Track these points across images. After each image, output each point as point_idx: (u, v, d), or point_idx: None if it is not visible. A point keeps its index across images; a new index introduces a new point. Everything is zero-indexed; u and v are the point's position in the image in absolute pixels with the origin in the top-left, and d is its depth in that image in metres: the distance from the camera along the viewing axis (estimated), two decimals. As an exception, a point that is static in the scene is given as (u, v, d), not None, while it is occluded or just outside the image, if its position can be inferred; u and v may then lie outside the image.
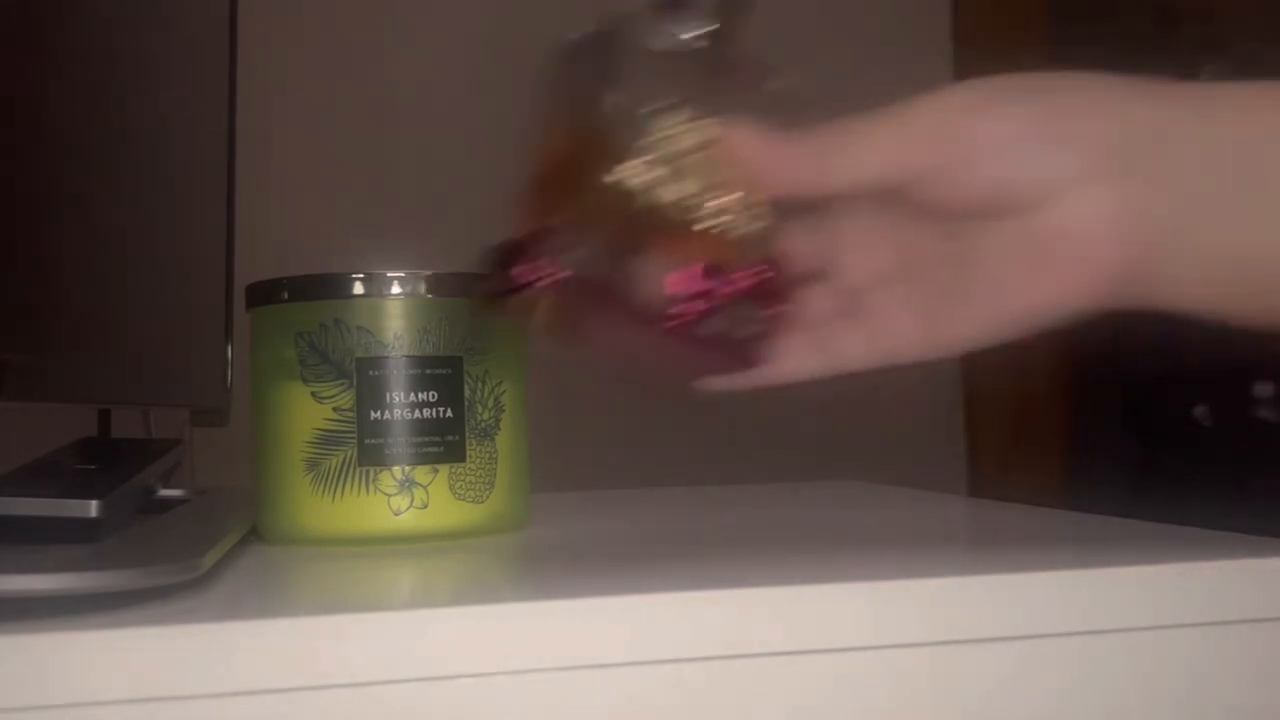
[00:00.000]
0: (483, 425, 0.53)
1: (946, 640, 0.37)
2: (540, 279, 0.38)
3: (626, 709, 0.35)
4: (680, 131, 0.40)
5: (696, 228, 0.40)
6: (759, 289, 0.42)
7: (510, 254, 0.40)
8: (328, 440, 0.52)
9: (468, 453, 0.53)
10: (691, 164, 0.40)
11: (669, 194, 0.40)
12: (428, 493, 0.52)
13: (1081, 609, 0.38)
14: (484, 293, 0.40)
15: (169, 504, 0.56)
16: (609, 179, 0.39)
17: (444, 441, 0.52)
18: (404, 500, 0.51)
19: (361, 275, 0.52)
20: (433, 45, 1.47)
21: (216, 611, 0.35)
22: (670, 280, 0.40)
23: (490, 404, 0.54)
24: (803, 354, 0.45)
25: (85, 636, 0.32)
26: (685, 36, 0.41)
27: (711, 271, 0.41)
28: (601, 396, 1.40)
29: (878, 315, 0.44)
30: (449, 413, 0.52)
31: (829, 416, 1.44)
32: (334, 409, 0.52)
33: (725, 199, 0.41)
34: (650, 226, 0.40)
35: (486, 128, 1.50)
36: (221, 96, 0.90)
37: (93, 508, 0.43)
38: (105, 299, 0.63)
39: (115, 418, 0.79)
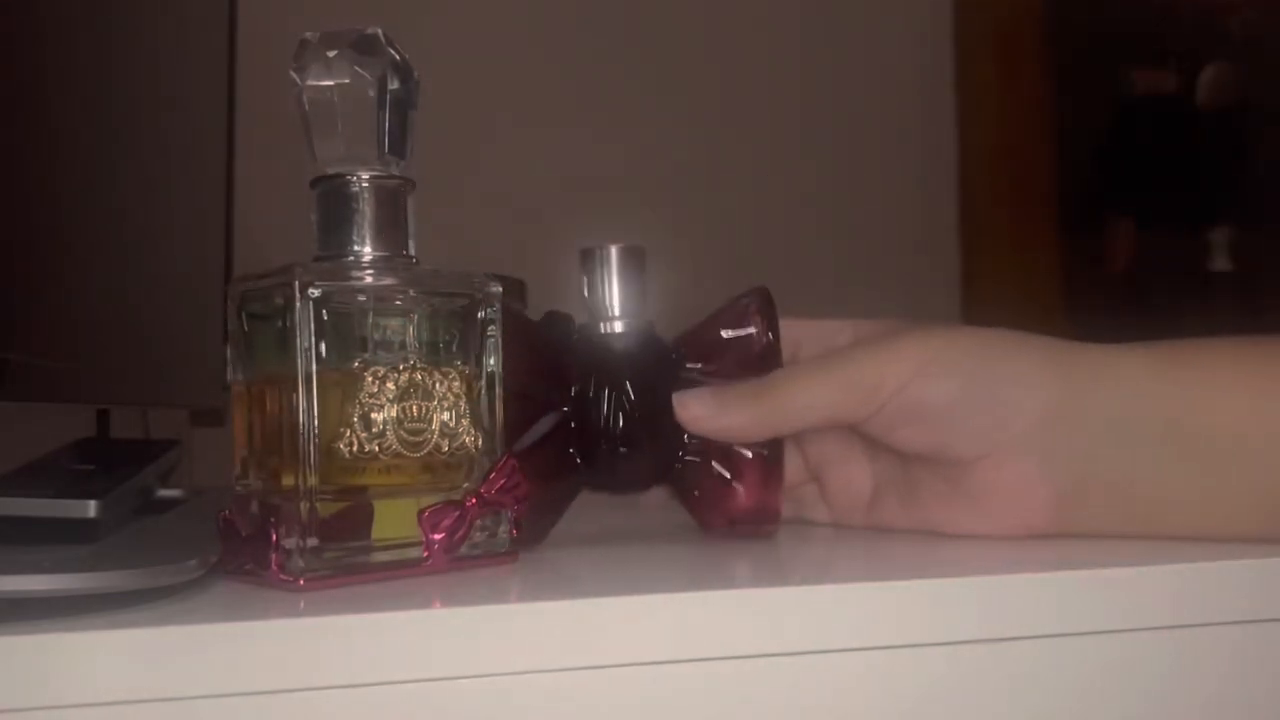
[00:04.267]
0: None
1: (955, 641, 0.37)
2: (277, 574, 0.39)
3: (627, 710, 0.35)
4: (384, 375, 0.41)
5: (419, 457, 0.41)
6: (501, 490, 0.43)
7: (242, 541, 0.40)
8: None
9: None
10: (402, 402, 0.41)
11: (389, 441, 0.40)
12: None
13: (1084, 609, 0.38)
14: (230, 568, 0.40)
15: (168, 504, 0.56)
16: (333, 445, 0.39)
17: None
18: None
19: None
20: (433, 43, 1.47)
21: (216, 611, 0.35)
22: (423, 527, 0.41)
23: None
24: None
25: (84, 637, 0.32)
26: None
27: (452, 506, 0.41)
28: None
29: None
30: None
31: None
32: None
33: (438, 422, 0.42)
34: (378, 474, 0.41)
35: (489, 127, 1.50)
36: (220, 95, 0.90)
37: (91, 508, 0.43)
38: (104, 299, 0.63)
39: (114, 418, 0.79)
